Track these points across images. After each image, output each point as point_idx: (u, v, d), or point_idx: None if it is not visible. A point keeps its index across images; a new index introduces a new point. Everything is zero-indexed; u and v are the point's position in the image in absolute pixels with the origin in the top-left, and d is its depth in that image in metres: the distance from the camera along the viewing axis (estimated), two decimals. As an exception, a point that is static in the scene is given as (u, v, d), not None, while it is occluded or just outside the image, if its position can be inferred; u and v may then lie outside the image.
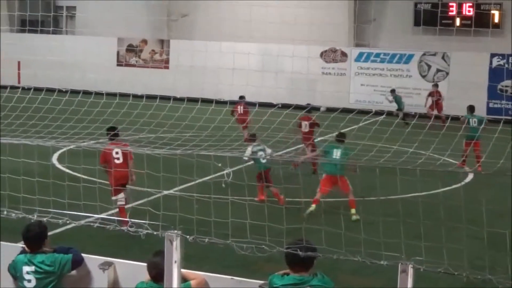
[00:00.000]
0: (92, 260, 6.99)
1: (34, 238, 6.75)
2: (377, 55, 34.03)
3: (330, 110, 14.12)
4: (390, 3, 34.20)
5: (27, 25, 37.78)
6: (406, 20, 33.94)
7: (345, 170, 13.73)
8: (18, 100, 9.75)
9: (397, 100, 30.55)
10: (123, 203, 12.16)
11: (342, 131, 13.85)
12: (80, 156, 9.69)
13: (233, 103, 21.82)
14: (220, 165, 13.61)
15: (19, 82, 35.64)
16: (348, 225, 9.18)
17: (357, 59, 34.34)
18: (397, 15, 33.99)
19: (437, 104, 29.00)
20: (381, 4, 33.78)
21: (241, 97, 23.31)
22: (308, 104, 20.83)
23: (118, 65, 38.80)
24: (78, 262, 6.87)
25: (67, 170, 14.65)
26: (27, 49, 37.90)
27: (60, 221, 6.63)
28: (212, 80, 32.93)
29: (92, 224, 6.76)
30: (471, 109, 20.01)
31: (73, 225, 7.07)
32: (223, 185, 13.51)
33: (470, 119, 18.91)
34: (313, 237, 6.34)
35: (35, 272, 6.72)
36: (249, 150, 13.75)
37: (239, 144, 9.47)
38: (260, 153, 13.86)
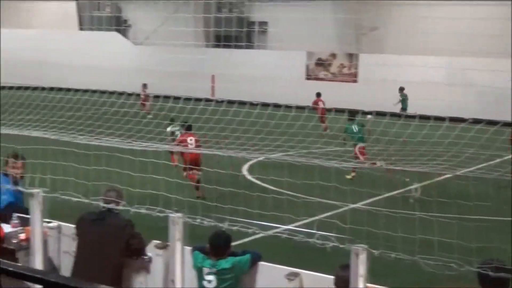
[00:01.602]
0: (278, 270, 7.14)
1: (219, 247, 7.26)
2: None
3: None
4: None
5: (222, 41, 39.31)
6: None
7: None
8: (212, 112, 10.14)
9: (403, 99, 30.69)
10: (195, 176, 14.59)
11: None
12: (269, 168, 9.90)
13: (424, 117, 21.44)
14: (408, 180, 13.41)
15: (212, 95, 37.03)
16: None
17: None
18: None
19: None
20: None
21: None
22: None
23: (307, 78, 39.30)
24: (255, 261, 7.29)
25: (256, 181, 15.02)
26: (221, 63, 39.39)
27: (250, 230, 6.81)
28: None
29: (280, 234, 6.88)
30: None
31: (261, 235, 7.23)
32: (411, 200, 13.30)
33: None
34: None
35: (216, 273, 7.18)
36: None
37: (429, 159, 9.27)
38: None
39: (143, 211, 7.01)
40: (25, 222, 8.46)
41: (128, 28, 47.46)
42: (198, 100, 10.74)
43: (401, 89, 31.51)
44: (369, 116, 16.77)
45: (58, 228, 8.45)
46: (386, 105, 24.43)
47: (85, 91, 10.59)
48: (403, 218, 8.55)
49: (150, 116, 18.35)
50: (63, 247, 8.39)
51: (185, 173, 14.05)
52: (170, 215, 6.88)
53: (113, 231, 7.74)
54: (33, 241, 7.43)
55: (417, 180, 13.32)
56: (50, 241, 8.32)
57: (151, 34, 44.01)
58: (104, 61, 43.30)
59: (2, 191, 8.93)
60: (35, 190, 7.43)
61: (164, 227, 7.10)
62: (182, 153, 14.94)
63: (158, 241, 7.72)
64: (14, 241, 8.66)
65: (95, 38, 45.07)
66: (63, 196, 7.69)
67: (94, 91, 10.56)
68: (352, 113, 17.64)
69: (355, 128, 17.83)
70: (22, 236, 8.64)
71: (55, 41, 44.95)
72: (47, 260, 8.10)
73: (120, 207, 7.78)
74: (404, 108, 29.91)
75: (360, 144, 17.68)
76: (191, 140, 15.31)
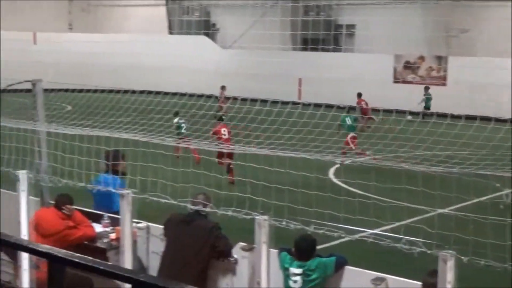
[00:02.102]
0: (365, 275, 7.10)
1: (305, 250, 7.36)
2: None
3: None
4: None
5: (309, 44, 39.28)
6: None
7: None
8: (299, 115, 10.15)
9: (428, 98, 31.07)
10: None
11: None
12: (355, 172, 9.84)
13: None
14: (498, 185, 13.09)
15: (299, 98, 37.02)
16: None
17: None
18: None
19: None
20: None
21: None
22: None
23: (394, 82, 38.84)
24: (341, 264, 7.35)
25: (343, 185, 14.94)
26: (307, 66, 39.35)
27: (335, 234, 6.79)
28: (493, 97, 31.78)
29: (366, 239, 6.84)
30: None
31: (347, 239, 7.20)
32: (501, 206, 12.98)
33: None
34: None
35: (303, 274, 7.26)
36: None
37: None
38: None
39: (229, 213, 7.09)
40: (115, 222, 8.67)
41: (216, 32, 47.98)
42: (285, 103, 10.77)
43: (426, 88, 32.28)
44: (409, 117, 16.60)
45: (147, 228, 8.63)
46: (476, 108, 23.90)
47: (174, 94, 10.76)
48: (493, 224, 8.34)
49: (224, 117, 18.68)
50: (152, 247, 8.56)
51: (218, 161, 14.80)
52: (256, 217, 6.93)
53: (200, 233, 7.85)
54: (123, 241, 7.61)
55: (509, 186, 12.99)
56: (139, 241, 8.50)
57: (239, 38, 44.36)
58: (192, 64, 43.89)
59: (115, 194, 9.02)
60: (125, 191, 7.62)
61: (251, 229, 7.15)
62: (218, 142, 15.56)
63: (244, 243, 7.79)
64: (105, 240, 8.89)
65: (184, 42, 45.77)
66: (152, 198, 7.85)
67: (183, 94, 10.72)
68: (350, 107, 19.07)
69: (348, 120, 19.83)
70: (113, 236, 8.86)
71: (145, 45, 45.91)
72: (136, 260, 8.29)
73: (207, 209, 7.89)
74: (427, 108, 30.22)
75: (352, 134, 19.58)
76: (224, 131, 17.26)
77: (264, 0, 43.50)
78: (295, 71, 39.54)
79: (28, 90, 9.26)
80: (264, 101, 10.00)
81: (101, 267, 3.51)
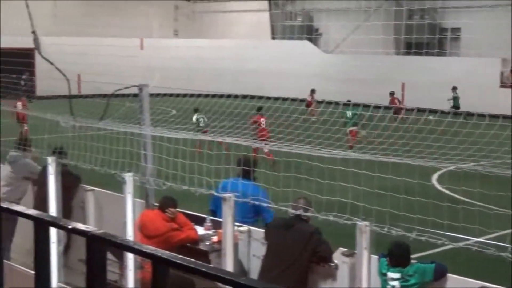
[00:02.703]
0: (469, 284, 6.95)
1: (399, 257, 7.33)
2: None
3: None
4: None
5: (413, 48, 38.70)
6: None
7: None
8: (401, 120, 10.01)
9: (455, 97, 31.91)
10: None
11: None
12: (460, 178, 9.63)
13: None
14: None
15: (402, 103, 36.50)
16: None
17: None
18: None
19: None
20: None
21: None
22: None
23: (501, 86, 37.79)
24: (441, 272, 7.22)
25: (447, 191, 14.64)
26: (411, 71, 38.79)
27: (439, 241, 6.67)
28: None
29: (470, 247, 6.68)
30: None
31: (450, 246, 7.05)
32: None
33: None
34: None
35: (401, 279, 7.22)
36: None
37: None
38: None
39: (330, 218, 7.07)
40: (217, 225, 8.79)
41: (318, 37, 47.96)
42: (387, 108, 10.64)
43: (454, 88, 32.85)
44: (430, 117, 16.05)
45: (248, 232, 8.71)
46: None
47: (276, 98, 10.83)
48: None
49: (313, 119, 18.95)
50: (253, 251, 8.63)
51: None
52: (358, 223, 6.88)
53: (301, 237, 7.86)
54: (224, 244, 7.71)
55: None
56: (240, 244, 8.59)
57: (342, 42, 44.19)
58: (294, 69, 44.02)
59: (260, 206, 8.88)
60: (226, 195, 7.71)
61: (350, 234, 7.11)
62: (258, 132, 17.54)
63: (344, 249, 7.75)
64: (207, 243, 9.03)
65: (286, 46, 45.97)
66: (253, 202, 7.91)
67: (285, 99, 10.77)
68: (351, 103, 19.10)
69: (349, 113, 22.04)
70: (215, 238, 8.99)
71: (249, 50, 46.38)
72: (237, 262, 8.37)
73: (308, 214, 7.89)
74: (456, 107, 30.83)
75: (352, 128, 21.66)
76: (263, 121, 19.47)
77: (368, 2, 43.14)
78: (399, 75, 39.04)
79: (135, 95, 9.52)
80: (366, 106, 9.91)
81: (203, 269, 3.57)
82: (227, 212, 7.63)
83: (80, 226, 5.78)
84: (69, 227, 5.81)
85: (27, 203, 10.82)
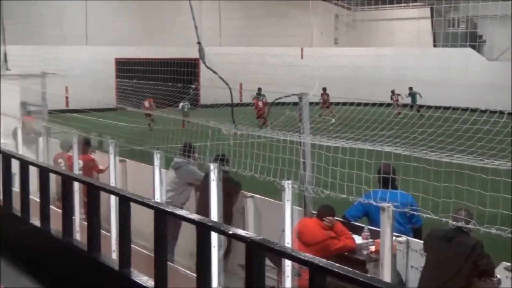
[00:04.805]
0: None
1: None
2: None
3: None
4: None
5: None
6: None
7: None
8: None
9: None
10: None
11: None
12: None
13: None
14: None
15: None
16: None
17: None
18: None
19: None
20: None
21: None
22: None
23: None
24: None
25: None
26: None
27: None
28: None
29: None
30: None
31: None
32: None
33: None
34: None
35: None
36: None
37: None
38: None
39: (493, 231, 6.81)
40: (375, 235, 8.71)
41: (483, 44, 46.46)
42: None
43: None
44: None
45: (407, 242, 8.57)
46: None
47: (437, 107, 10.59)
48: None
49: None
50: (411, 261, 8.49)
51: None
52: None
53: (462, 250, 7.65)
54: (382, 254, 7.62)
55: None
56: (398, 255, 8.47)
57: (506, 50, 42.56)
58: (457, 77, 42.89)
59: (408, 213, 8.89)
60: (385, 204, 7.62)
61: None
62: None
63: (508, 263, 7.46)
64: (365, 252, 8.97)
65: (449, 54, 44.87)
66: (412, 212, 7.78)
67: (447, 108, 10.51)
68: None
69: None
70: (372, 248, 8.92)
71: (409, 58, 45.71)
72: (395, 273, 8.26)
73: (469, 226, 7.66)
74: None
75: None
76: (260, 103, 25.84)
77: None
78: None
79: (295, 103, 9.63)
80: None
81: (361, 278, 3.57)
82: (386, 222, 7.55)
83: (240, 232, 5.94)
84: (230, 232, 5.98)
85: (190, 208, 11.20)
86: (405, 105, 36.58)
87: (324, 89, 37.72)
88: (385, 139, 8.95)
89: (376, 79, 45.46)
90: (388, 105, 10.70)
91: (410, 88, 41.94)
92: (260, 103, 32.15)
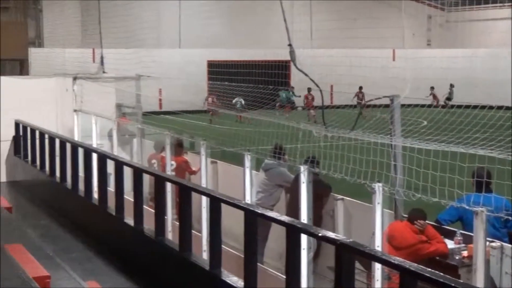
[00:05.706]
0: None
1: None
2: None
3: None
4: None
5: None
6: None
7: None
8: None
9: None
10: None
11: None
12: None
13: None
14: None
15: None
16: None
17: None
18: None
19: None
20: None
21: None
22: None
23: None
24: None
25: None
26: None
27: None
28: None
29: None
30: None
31: None
32: None
33: None
34: None
35: None
36: None
37: None
38: None
39: None
40: (468, 239, 8.53)
41: None
42: None
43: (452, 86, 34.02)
44: None
45: (501, 248, 8.36)
46: None
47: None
48: None
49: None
50: (505, 267, 8.27)
51: None
52: None
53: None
54: (475, 259, 7.46)
55: None
56: (492, 260, 8.26)
57: None
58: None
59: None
60: (478, 209, 7.45)
61: None
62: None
63: None
64: (457, 257, 8.80)
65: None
66: (507, 216, 7.58)
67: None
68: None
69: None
70: (465, 253, 8.74)
71: (505, 59, 44.52)
72: (489, 279, 8.06)
73: None
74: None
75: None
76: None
77: None
78: None
79: (386, 105, 9.53)
80: None
81: (452, 284, 3.51)
82: (479, 227, 7.38)
83: (330, 234, 5.93)
84: (320, 234, 5.98)
85: (279, 210, 11.24)
86: (499, 107, 35.58)
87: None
88: (478, 142, 8.77)
89: (470, 81, 44.58)
90: (483, 107, 10.45)
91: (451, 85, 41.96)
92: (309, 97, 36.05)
